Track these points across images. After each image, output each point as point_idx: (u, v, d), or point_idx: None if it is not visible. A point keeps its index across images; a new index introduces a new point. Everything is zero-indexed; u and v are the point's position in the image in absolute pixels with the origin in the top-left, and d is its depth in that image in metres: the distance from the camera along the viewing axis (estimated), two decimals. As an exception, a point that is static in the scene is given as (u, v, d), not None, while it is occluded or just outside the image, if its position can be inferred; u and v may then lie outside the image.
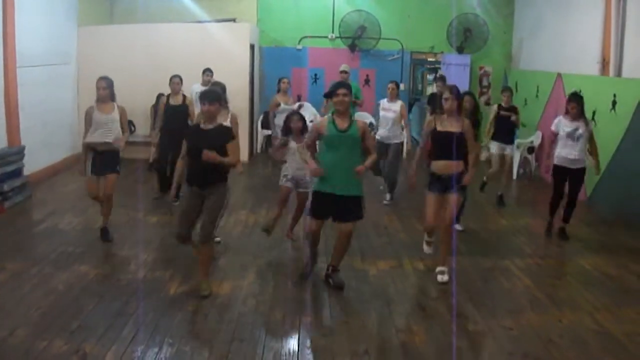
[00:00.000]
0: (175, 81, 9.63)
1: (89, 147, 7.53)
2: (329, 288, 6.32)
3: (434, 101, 10.00)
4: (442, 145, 6.51)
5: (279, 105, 10.78)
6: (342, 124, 6.13)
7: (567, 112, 8.11)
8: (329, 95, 6.33)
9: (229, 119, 7.48)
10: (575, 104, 8.00)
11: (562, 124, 8.12)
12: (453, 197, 6.52)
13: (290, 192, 7.57)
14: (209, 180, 5.93)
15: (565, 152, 8.09)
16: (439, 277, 6.57)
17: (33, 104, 10.71)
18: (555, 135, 8.21)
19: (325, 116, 6.51)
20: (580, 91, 8.48)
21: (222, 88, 7.72)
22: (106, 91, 7.49)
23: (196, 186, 5.97)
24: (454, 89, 6.61)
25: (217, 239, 7.63)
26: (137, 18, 13.95)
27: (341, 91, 6.13)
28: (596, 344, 5.23)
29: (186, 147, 6.05)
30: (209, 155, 5.69)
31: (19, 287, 6.10)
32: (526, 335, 5.37)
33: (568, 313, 5.84)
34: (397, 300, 6.13)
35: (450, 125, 6.51)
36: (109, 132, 7.50)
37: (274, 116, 10.66)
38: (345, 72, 10.76)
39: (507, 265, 7.19)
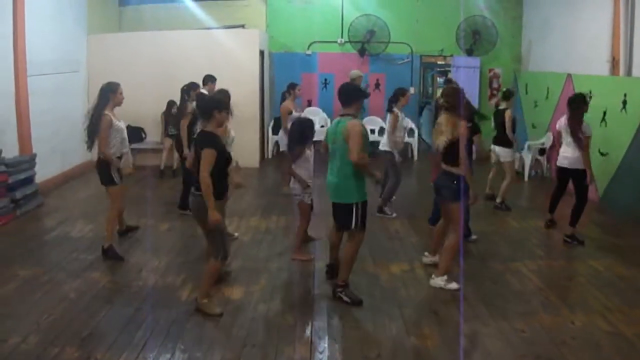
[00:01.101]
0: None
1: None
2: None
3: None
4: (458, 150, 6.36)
5: (291, 112, 10.57)
6: None
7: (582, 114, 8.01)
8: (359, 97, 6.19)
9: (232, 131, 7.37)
10: None
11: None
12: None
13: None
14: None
15: None
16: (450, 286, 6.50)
17: (44, 112, 10.78)
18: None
19: (352, 120, 6.03)
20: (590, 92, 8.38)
21: (228, 96, 7.62)
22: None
23: (222, 200, 5.87)
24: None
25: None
26: (146, 26, 14.03)
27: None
28: (609, 346, 5.20)
29: (218, 160, 5.53)
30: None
31: (31, 294, 6.13)
32: (538, 337, 5.34)
33: (580, 314, 5.81)
34: (408, 303, 6.11)
35: None
36: (125, 140, 7.48)
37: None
38: (360, 76, 10.65)
39: (518, 267, 7.16)
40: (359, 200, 5.99)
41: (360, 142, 5.83)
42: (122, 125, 7.33)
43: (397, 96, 9.42)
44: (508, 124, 9.71)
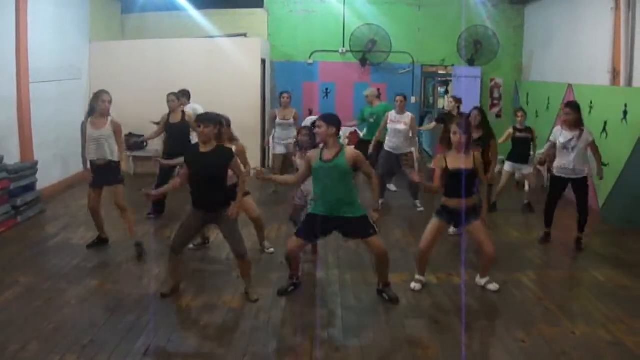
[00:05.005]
0: (170, 99, 9.53)
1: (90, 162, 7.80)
2: (342, 302, 6.36)
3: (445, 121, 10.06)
4: (455, 183, 6.36)
5: (275, 118, 11.19)
6: (327, 154, 6.15)
7: (564, 122, 8.07)
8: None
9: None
10: (570, 110, 7.97)
11: (558, 134, 8.09)
12: (477, 225, 6.47)
13: (302, 208, 7.44)
14: (216, 206, 6.10)
15: (562, 163, 8.05)
16: (491, 287, 6.69)
17: (45, 119, 10.80)
18: (553, 145, 8.17)
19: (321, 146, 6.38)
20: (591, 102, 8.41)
21: (227, 122, 7.46)
22: (109, 105, 7.72)
23: (202, 211, 6.11)
24: (461, 125, 6.39)
25: (271, 249, 7.98)
26: (148, 34, 14.05)
27: (317, 123, 6.31)
28: (610, 356, 5.19)
29: (188, 172, 6.10)
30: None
31: (32, 301, 6.13)
32: (539, 348, 5.33)
33: (581, 325, 5.80)
34: (409, 313, 6.10)
35: (460, 161, 6.36)
36: (100, 148, 7.67)
37: (272, 130, 11.28)
38: (365, 96, 11.05)
39: (519, 278, 7.15)
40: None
41: (300, 167, 6.72)
42: (94, 132, 7.70)
43: None
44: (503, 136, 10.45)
